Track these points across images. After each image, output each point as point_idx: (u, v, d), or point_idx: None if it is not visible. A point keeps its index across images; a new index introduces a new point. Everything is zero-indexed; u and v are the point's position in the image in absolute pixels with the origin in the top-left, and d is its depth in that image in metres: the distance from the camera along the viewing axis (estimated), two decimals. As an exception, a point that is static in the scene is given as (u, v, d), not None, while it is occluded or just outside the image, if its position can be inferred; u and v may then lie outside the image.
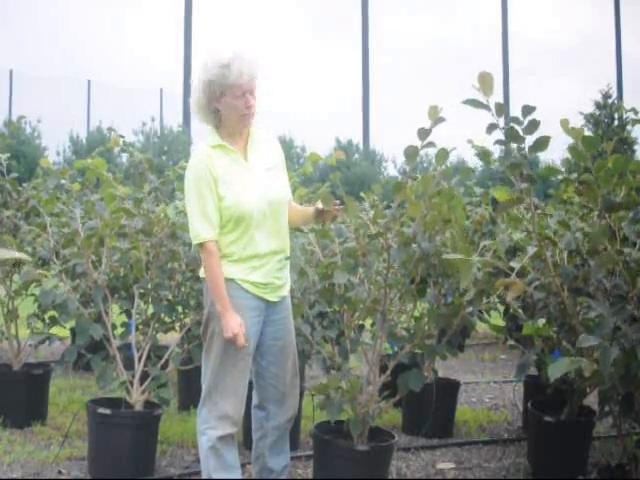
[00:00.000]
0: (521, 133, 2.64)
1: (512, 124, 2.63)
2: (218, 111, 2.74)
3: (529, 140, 2.69)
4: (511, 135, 2.62)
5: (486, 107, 2.57)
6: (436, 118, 2.85)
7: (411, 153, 2.92)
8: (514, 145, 2.73)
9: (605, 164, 2.75)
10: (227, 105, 2.71)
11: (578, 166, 2.93)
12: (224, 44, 2.73)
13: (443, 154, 2.99)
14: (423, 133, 2.88)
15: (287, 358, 2.91)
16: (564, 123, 2.90)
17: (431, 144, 2.90)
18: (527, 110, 2.62)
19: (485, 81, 2.54)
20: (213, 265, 2.70)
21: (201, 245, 2.71)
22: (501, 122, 2.66)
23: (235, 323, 2.66)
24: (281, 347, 2.89)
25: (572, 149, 2.84)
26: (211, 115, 2.75)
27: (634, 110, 3.17)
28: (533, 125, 2.62)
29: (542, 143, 2.70)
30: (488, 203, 4.43)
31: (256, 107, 2.74)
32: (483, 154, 2.91)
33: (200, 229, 2.69)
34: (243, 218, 2.71)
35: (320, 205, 2.92)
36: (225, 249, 2.74)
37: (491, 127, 2.62)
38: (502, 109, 2.57)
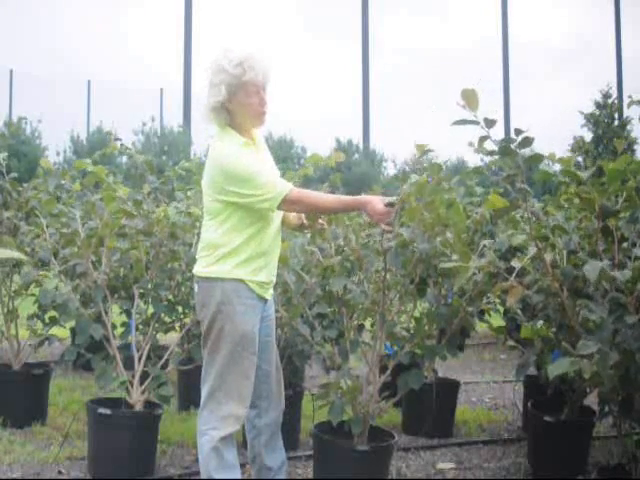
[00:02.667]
0: (514, 149, 2.69)
1: (507, 143, 2.67)
2: (230, 111, 2.74)
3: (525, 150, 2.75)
4: (505, 151, 2.67)
5: (475, 123, 2.61)
6: (423, 151, 3.02)
7: (400, 179, 3.05)
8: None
9: (599, 180, 2.84)
10: (240, 104, 2.71)
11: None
12: (235, 45, 2.74)
13: (436, 168, 3.06)
14: (410, 164, 3.07)
15: (273, 353, 2.97)
16: (551, 156, 3.06)
17: (418, 170, 3.05)
18: (519, 132, 2.68)
19: (469, 97, 2.58)
20: (313, 199, 2.70)
21: (287, 200, 2.65)
22: (498, 129, 2.69)
23: (372, 204, 2.65)
24: (270, 343, 2.94)
25: (565, 172, 2.98)
26: (222, 115, 2.74)
27: (629, 96, 3.22)
28: (526, 142, 2.67)
29: (535, 159, 2.76)
30: (489, 202, 4.42)
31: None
32: (477, 170, 3.01)
33: (277, 187, 2.66)
34: (264, 215, 2.74)
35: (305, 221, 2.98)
36: (238, 247, 2.72)
37: (482, 139, 2.66)
38: (491, 123, 2.62)
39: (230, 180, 2.67)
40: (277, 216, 2.84)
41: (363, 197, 2.71)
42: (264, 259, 2.78)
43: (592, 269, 2.51)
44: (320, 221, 2.98)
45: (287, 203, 2.67)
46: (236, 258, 2.73)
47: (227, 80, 2.66)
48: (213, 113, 2.74)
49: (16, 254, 1.41)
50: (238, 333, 2.73)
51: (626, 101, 3.13)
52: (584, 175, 2.90)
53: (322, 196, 2.76)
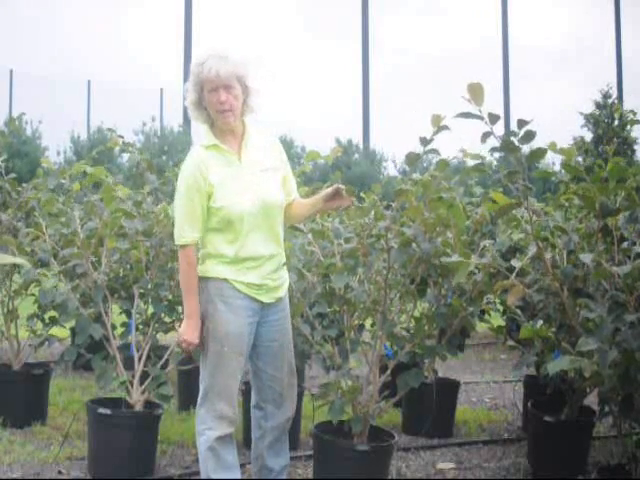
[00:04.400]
0: (517, 143, 2.69)
1: (508, 137, 2.68)
2: (206, 109, 2.77)
3: (526, 148, 2.74)
4: (507, 147, 2.66)
5: (479, 117, 2.61)
6: (439, 126, 2.89)
7: (412, 159, 2.98)
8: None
9: (600, 176, 2.84)
10: (207, 101, 2.74)
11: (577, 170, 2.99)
12: (226, 44, 2.77)
13: (443, 164, 3.04)
14: (424, 141, 2.94)
15: (283, 359, 2.91)
16: (552, 146, 3.04)
17: (434, 151, 2.95)
18: (522, 123, 2.68)
19: (475, 91, 2.59)
20: (189, 269, 2.74)
21: (181, 247, 2.74)
22: (498, 128, 2.69)
23: (191, 330, 2.72)
24: (277, 348, 2.88)
25: (566, 166, 2.98)
26: (203, 113, 2.79)
27: (632, 112, 3.23)
28: (529, 136, 2.66)
29: (538, 154, 2.76)
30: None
31: (234, 105, 2.72)
32: (477, 168, 2.99)
33: (185, 231, 2.72)
34: (232, 221, 2.71)
35: (342, 186, 2.87)
36: (219, 249, 2.73)
37: (485, 135, 2.66)
38: (495, 119, 2.62)
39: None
40: (268, 220, 2.78)
41: (194, 317, 2.73)
42: (252, 262, 2.75)
43: (587, 256, 2.64)
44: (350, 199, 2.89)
45: (179, 250, 2.77)
46: (220, 258, 2.74)
47: (194, 77, 2.73)
48: (193, 109, 2.80)
49: (18, 260, 1.41)
50: (221, 333, 2.72)
51: (626, 101, 3.17)
52: (583, 167, 2.91)
53: (188, 274, 2.75)
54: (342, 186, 2.86)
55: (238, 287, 2.74)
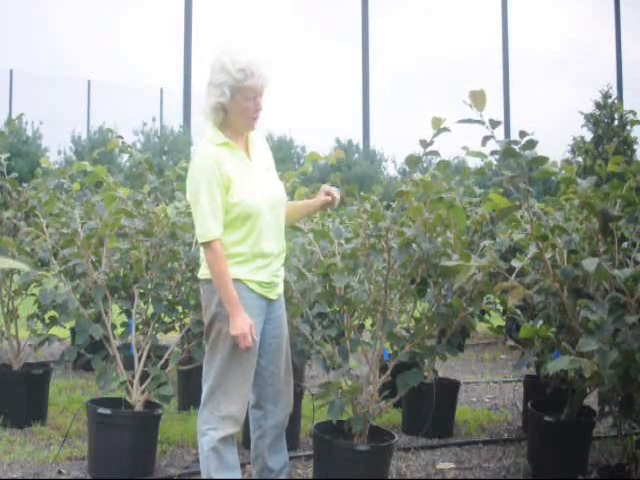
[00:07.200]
0: (518, 150, 2.71)
1: (509, 144, 2.69)
2: (226, 111, 2.76)
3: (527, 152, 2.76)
4: (508, 152, 2.68)
5: (481, 123, 2.64)
6: (439, 129, 2.91)
7: (413, 162, 2.99)
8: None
9: (600, 190, 2.91)
10: (237, 107, 2.73)
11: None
12: (242, 45, 2.76)
13: (444, 165, 3.04)
14: (424, 144, 2.96)
15: (282, 355, 2.94)
16: (553, 164, 3.13)
17: (434, 153, 2.96)
18: (523, 134, 2.71)
19: (477, 98, 2.62)
20: (221, 264, 2.68)
21: (208, 244, 2.69)
22: (499, 131, 2.70)
23: (246, 323, 2.67)
24: (278, 345, 2.92)
25: (565, 179, 3.05)
26: (219, 114, 2.77)
27: (633, 112, 3.26)
28: (530, 144, 2.69)
29: (539, 161, 2.78)
30: (488, 203, 4.42)
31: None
32: (478, 171, 3.02)
33: (211, 226, 2.68)
34: (250, 215, 2.72)
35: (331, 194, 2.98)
36: (231, 249, 2.73)
37: (486, 139, 2.68)
38: (496, 124, 2.64)
39: (188, 190, 2.79)
40: (276, 217, 2.83)
41: (240, 309, 2.67)
42: (263, 260, 2.77)
43: (590, 262, 2.61)
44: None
45: (206, 247, 2.70)
46: (232, 259, 2.73)
47: (229, 83, 2.68)
48: (212, 112, 2.76)
49: (17, 264, 1.41)
50: None
51: (626, 102, 3.18)
52: (584, 184, 2.93)
53: (223, 269, 2.68)
54: (331, 194, 2.97)
55: (252, 287, 2.76)
